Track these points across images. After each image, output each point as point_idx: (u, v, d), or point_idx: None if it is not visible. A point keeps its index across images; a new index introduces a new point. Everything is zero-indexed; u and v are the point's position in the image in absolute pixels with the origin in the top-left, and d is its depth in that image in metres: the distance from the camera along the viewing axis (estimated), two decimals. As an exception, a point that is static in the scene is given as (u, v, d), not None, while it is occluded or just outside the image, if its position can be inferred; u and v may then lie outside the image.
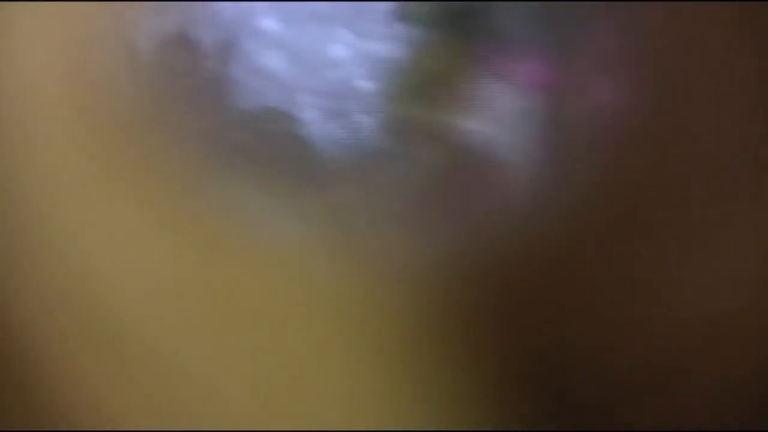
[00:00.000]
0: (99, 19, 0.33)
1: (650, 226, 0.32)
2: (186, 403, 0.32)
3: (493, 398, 0.32)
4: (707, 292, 0.32)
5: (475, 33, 0.32)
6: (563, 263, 0.32)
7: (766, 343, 0.32)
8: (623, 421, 0.32)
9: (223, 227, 0.33)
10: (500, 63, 0.32)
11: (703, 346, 0.32)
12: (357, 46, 0.33)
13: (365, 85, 0.33)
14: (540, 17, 0.32)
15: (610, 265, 0.32)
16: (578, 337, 0.32)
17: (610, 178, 0.32)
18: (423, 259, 0.32)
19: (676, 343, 0.32)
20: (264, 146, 0.33)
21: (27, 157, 0.33)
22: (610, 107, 0.32)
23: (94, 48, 0.33)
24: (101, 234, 0.32)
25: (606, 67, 0.32)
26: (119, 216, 0.32)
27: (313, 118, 0.33)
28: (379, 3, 0.33)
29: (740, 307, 0.32)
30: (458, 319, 0.32)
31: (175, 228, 0.32)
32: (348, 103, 0.33)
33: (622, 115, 0.32)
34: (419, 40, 0.32)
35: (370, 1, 0.33)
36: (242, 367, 0.33)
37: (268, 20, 0.33)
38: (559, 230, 0.32)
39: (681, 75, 0.32)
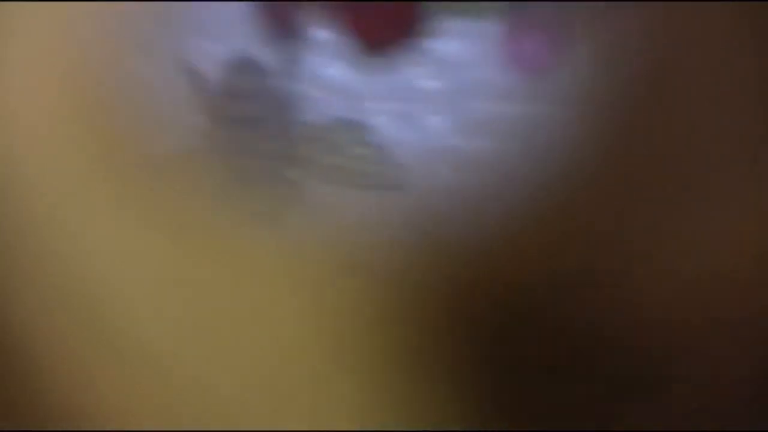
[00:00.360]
0: (100, 19, 0.33)
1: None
2: (185, 402, 0.32)
3: (496, 400, 0.32)
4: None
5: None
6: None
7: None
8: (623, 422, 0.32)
9: (238, 235, 0.33)
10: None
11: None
12: (418, 47, 0.33)
13: (431, 84, 0.33)
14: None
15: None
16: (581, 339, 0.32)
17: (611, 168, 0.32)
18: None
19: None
20: (337, 157, 0.33)
21: (26, 156, 0.33)
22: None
23: (95, 48, 0.33)
24: (102, 235, 0.32)
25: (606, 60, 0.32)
26: (120, 218, 0.32)
27: (383, 124, 0.33)
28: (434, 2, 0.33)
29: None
30: (463, 323, 0.33)
31: (179, 234, 0.33)
32: (416, 105, 0.33)
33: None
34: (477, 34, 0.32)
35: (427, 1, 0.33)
36: (240, 367, 0.33)
37: (325, 31, 0.33)
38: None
39: (681, 70, 0.32)
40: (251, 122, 0.33)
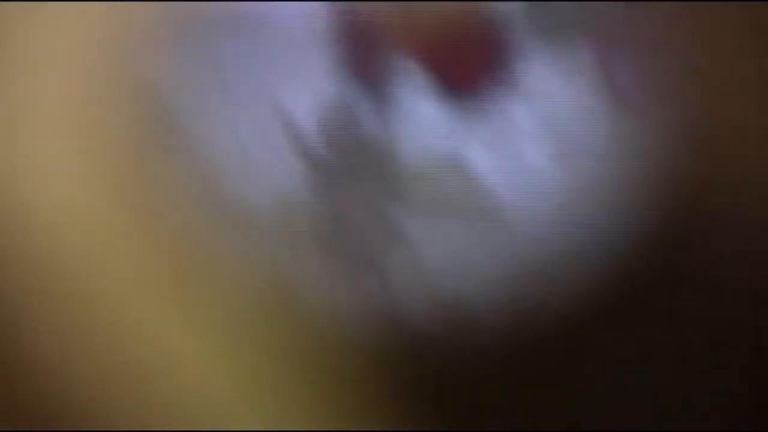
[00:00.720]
0: (120, 19, 0.33)
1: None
2: (179, 404, 0.32)
3: None
4: None
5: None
6: None
7: None
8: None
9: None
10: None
11: None
12: (508, 78, 0.33)
13: (524, 115, 0.33)
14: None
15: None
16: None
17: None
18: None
19: None
20: (436, 192, 0.33)
21: (34, 153, 0.33)
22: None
23: (114, 48, 0.33)
24: (112, 252, 0.32)
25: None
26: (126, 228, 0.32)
27: (479, 157, 0.33)
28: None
29: None
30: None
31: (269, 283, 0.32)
32: (510, 137, 0.33)
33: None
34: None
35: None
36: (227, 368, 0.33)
37: (415, 70, 0.33)
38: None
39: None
40: (348, 167, 0.33)
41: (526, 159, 0.33)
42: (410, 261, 0.33)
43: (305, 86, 0.33)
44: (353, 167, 0.33)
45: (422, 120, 0.33)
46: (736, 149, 0.32)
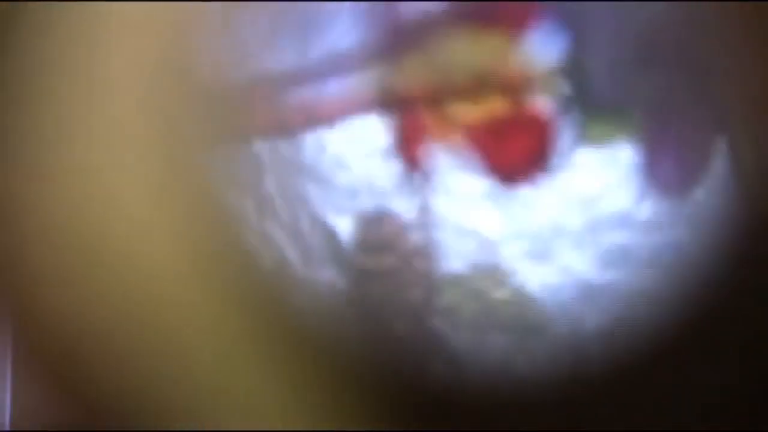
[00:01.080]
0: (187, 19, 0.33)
1: None
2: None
3: None
4: None
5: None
6: None
7: None
8: None
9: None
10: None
11: None
12: (551, 180, 0.33)
13: (567, 219, 0.33)
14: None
15: None
16: None
17: None
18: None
19: None
20: (478, 302, 0.33)
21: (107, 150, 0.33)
22: None
23: (180, 45, 0.33)
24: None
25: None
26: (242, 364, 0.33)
27: (522, 265, 0.33)
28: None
29: None
30: None
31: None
32: (553, 242, 0.33)
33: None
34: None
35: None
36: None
37: (458, 174, 0.33)
38: None
39: None
40: (388, 274, 0.33)
41: (569, 265, 0.32)
42: (450, 369, 0.32)
43: (346, 190, 0.33)
44: (392, 274, 0.33)
45: (464, 226, 0.32)
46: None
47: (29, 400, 0.34)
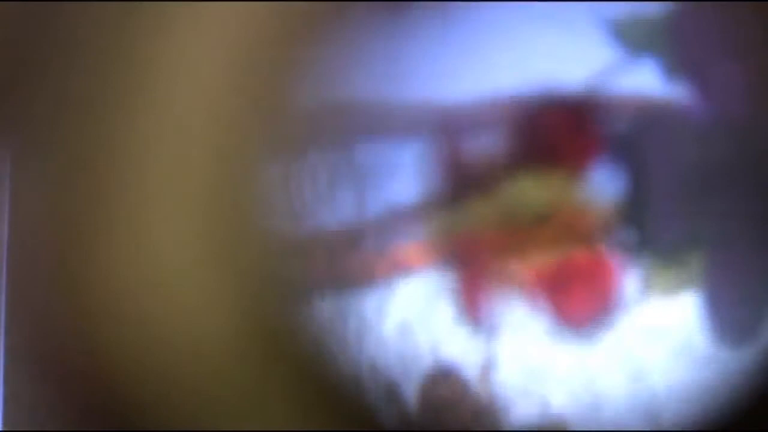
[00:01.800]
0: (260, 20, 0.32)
1: None
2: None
3: None
4: None
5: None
6: None
7: None
8: None
9: None
10: None
11: None
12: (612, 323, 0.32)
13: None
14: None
15: None
16: None
17: None
18: None
19: None
20: None
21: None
22: None
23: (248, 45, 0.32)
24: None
25: None
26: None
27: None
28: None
29: None
30: None
31: None
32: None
33: None
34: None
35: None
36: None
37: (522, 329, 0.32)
38: None
39: None
40: (445, 426, 0.32)
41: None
42: None
43: (407, 347, 0.32)
44: (451, 426, 0.32)
45: (525, 381, 0.32)
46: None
47: (21, 401, 0.34)
